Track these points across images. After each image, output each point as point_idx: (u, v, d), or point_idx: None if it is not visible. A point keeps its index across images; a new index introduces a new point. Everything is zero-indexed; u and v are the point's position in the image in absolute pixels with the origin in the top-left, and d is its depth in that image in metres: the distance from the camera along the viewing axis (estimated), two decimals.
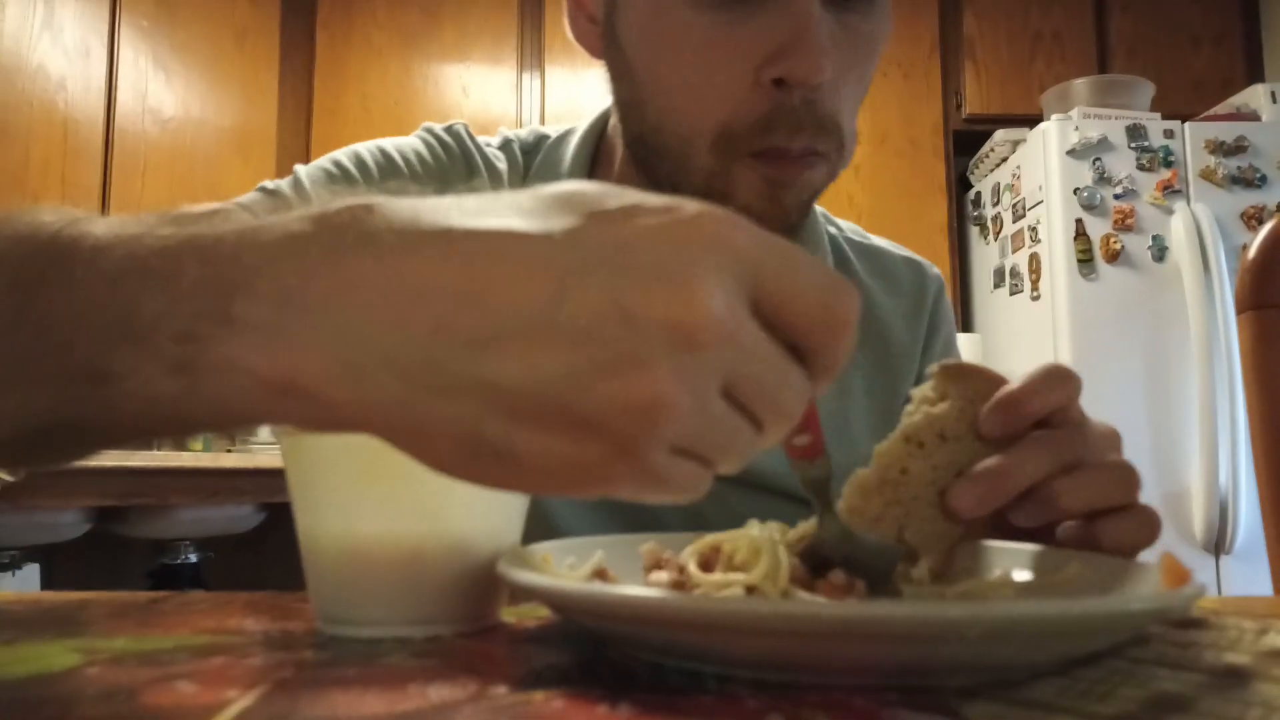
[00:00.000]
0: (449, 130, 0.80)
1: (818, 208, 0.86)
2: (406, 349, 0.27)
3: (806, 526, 0.46)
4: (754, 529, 0.45)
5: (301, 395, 0.27)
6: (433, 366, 0.27)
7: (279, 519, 2.53)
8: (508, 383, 0.27)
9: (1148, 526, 0.49)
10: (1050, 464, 0.46)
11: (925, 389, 0.49)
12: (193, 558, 2.66)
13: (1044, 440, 0.47)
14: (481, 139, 0.82)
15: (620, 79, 0.71)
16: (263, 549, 2.71)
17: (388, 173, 0.76)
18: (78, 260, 0.29)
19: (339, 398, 0.27)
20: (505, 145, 0.82)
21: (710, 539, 0.45)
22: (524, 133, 0.84)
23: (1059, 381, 0.48)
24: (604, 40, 0.71)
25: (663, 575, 0.44)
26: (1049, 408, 0.48)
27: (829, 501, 0.43)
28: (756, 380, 0.29)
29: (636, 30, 0.67)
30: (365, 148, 0.78)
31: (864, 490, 0.46)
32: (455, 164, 0.78)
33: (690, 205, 0.30)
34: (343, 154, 0.77)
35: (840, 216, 0.92)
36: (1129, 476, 0.49)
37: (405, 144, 0.79)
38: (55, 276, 0.28)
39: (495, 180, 0.78)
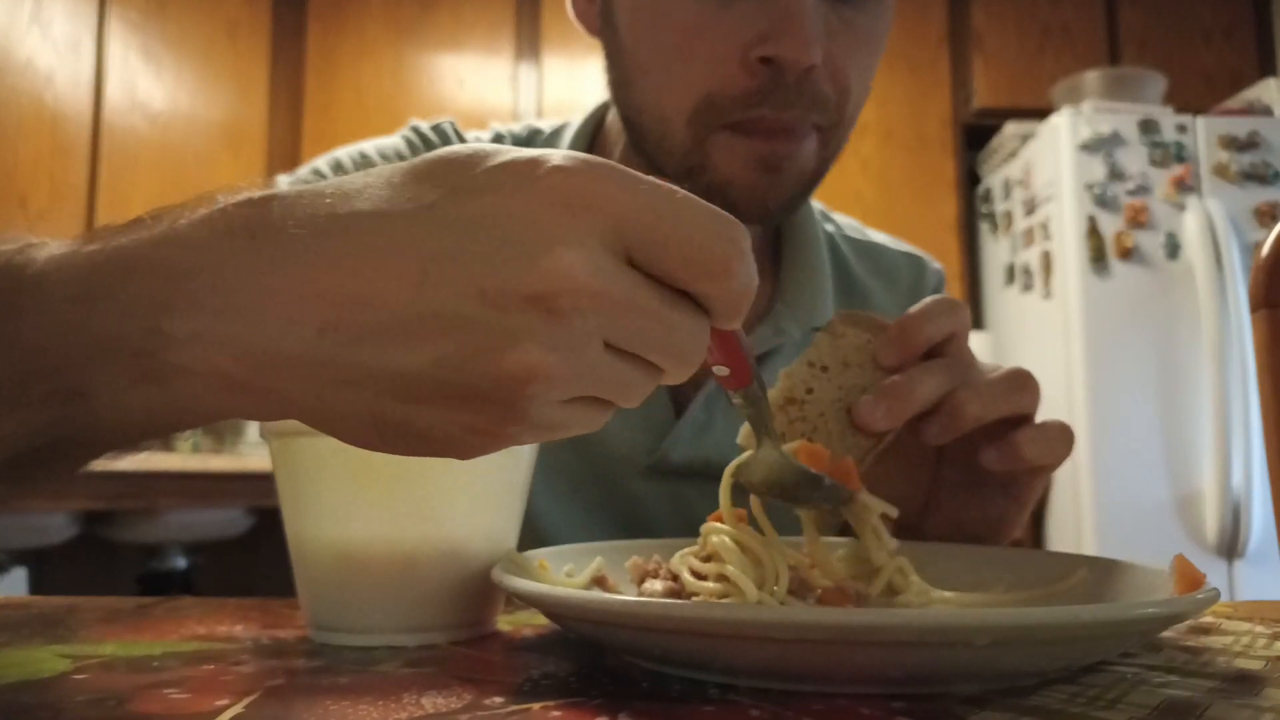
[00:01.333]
0: (435, 128, 0.80)
1: (815, 203, 0.86)
2: (301, 348, 0.28)
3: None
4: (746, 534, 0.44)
5: (242, 389, 0.29)
6: (326, 362, 0.28)
7: (269, 523, 2.54)
8: (393, 371, 0.28)
9: (1064, 437, 0.53)
10: (949, 379, 0.50)
11: (826, 329, 0.53)
12: (182, 563, 2.67)
13: (940, 361, 0.51)
14: (472, 133, 0.82)
15: (612, 57, 0.71)
16: (253, 554, 2.71)
17: None
18: (28, 287, 0.30)
19: (268, 388, 0.29)
20: (495, 140, 0.82)
21: (704, 549, 0.44)
22: (517, 127, 0.84)
23: (948, 309, 0.52)
24: (600, 18, 0.72)
25: (656, 585, 0.43)
26: (941, 333, 0.51)
27: (764, 429, 0.43)
28: (639, 332, 0.30)
29: (628, 5, 0.68)
30: (345, 152, 0.79)
31: (780, 407, 0.49)
32: None
33: (555, 161, 0.29)
34: (323, 161, 0.78)
35: (848, 213, 0.91)
36: (1027, 380, 0.52)
37: (387, 145, 0.79)
38: (23, 303, 0.30)
39: None
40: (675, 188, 0.30)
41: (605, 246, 0.29)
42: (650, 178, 0.30)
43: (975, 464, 0.53)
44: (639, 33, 0.67)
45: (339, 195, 0.30)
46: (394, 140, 0.80)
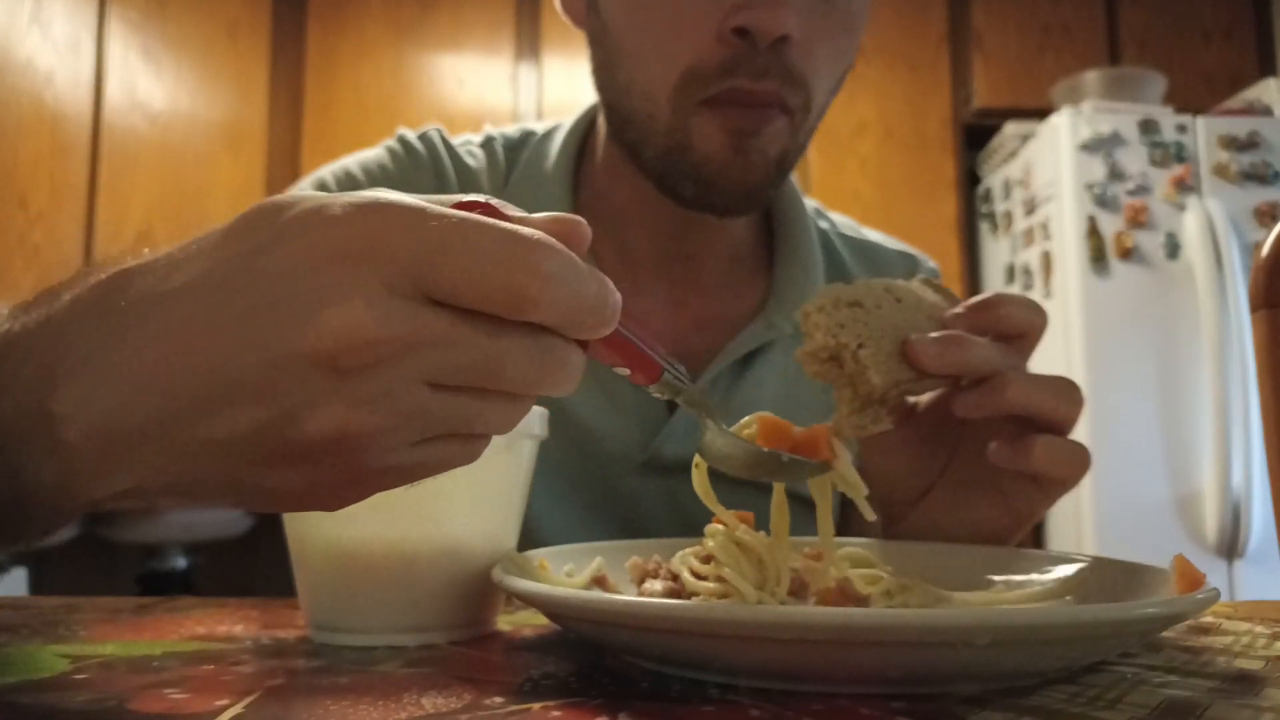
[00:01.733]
0: (422, 137, 0.81)
1: (811, 201, 0.86)
2: (147, 421, 0.29)
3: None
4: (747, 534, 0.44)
5: (117, 463, 0.30)
6: (171, 433, 0.29)
7: (270, 523, 2.53)
8: (223, 438, 0.28)
9: (1079, 458, 0.51)
10: (1001, 361, 0.50)
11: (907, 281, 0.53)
12: (182, 563, 2.67)
13: (999, 344, 0.51)
14: (462, 137, 0.83)
15: (597, 43, 0.72)
16: (253, 554, 2.71)
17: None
18: None
19: (135, 460, 0.29)
20: (486, 143, 0.82)
21: (704, 549, 0.44)
22: (511, 130, 0.84)
23: (1032, 308, 0.52)
24: (586, 6, 0.72)
25: (656, 585, 0.43)
26: (1014, 324, 0.51)
27: (704, 413, 0.41)
28: (464, 366, 0.29)
29: None
30: (329, 170, 0.79)
31: (836, 298, 0.48)
32: (422, 172, 0.78)
33: (336, 208, 0.29)
34: (308, 181, 0.79)
35: (846, 212, 0.91)
36: (1074, 391, 0.51)
37: (370, 159, 0.79)
38: None
39: (467, 182, 0.78)
40: (471, 217, 0.29)
41: (393, 291, 0.28)
42: (445, 210, 0.29)
43: (982, 462, 0.53)
44: (622, 14, 0.68)
45: (168, 267, 0.30)
46: (378, 153, 0.80)
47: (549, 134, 0.81)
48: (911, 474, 0.57)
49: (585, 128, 0.80)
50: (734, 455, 0.41)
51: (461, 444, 0.31)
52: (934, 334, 0.49)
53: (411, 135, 0.80)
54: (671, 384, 0.38)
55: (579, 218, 0.32)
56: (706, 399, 0.41)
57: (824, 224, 0.86)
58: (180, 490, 0.31)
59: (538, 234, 0.29)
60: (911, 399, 0.55)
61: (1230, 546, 2.40)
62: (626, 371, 0.36)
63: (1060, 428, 0.51)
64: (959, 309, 0.52)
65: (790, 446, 0.44)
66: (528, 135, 0.83)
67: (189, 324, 0.29)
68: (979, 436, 0.54)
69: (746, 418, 0.45)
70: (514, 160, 0.80)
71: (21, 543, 0.33)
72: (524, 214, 0.32)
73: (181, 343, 0.28)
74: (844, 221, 0.89)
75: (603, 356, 0.34)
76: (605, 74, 0.71)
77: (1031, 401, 0.49)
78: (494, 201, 0.31)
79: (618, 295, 0.31)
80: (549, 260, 0.29)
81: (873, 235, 0.89)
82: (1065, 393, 0.50)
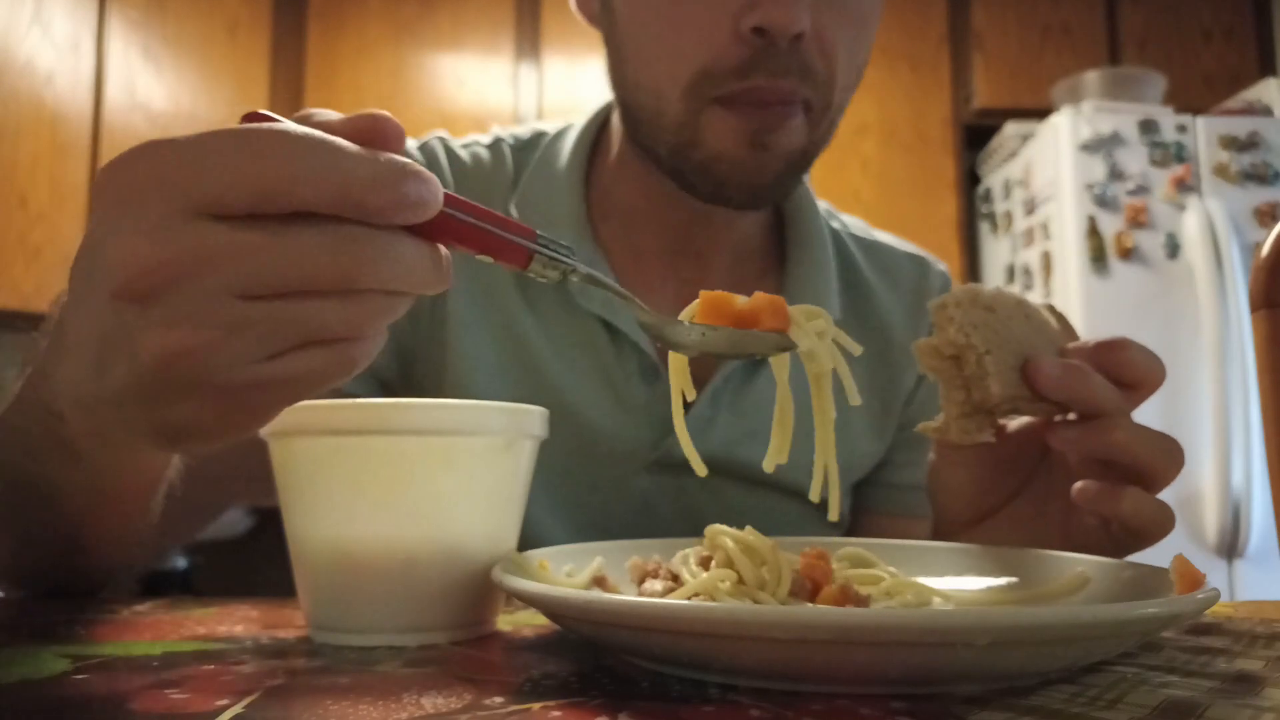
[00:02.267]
0: (423, 146, 0.80)
1: (822, 202, 0.86)
2: (82, 394, 0.34)
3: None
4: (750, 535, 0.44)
5: (98, 437, 0.39)
6: (93, 398, 0.34)
7: (270, 523, 2.53)
8: (118, 388, 0.32)
9: (1165, 518, 0.49)
10: (1114, 404, 0.49)
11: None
12: (182, 563, 2.66)
13: (1115, 388, 0.49)
14: (469, 138, 0.82)
15: (610, 41, 0.72)
16: (253, 554, 2.70)
17: None
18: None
19: (101, 430, 0.37)
20: (494, 144, 0.82)
21: (705, 548, 0.44)
22: (523, 130, 0.84)
23: (1156, 364, 0.51)
24: (599, 3, 0.72)
25: (656, 585, 0.43)
26: (1134, 372, 0.50)
27: (615, 292, 0.40)
28: (264, 271, 0.30)
29: None
30: None
31: (974, 297, 0.48)
32: None
33: (116, 161, 0.30)
34: None
35: (847, 212, 0.91)
36: (1178, 453, 0.50)
37: None
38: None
39: (465, 185, 0.78)
40: (231, 129, 0.30)
41: (170, 216, 0.29)
42: (204, 132, 0.30)
43: (1053, 499, 0.52)
44: (634, 9, 0.68)
45: (74, 275, 0.33)
46: None
47: (561, 134, 0.81)
48: (980, 493, 0.57)
49: (597, 127, 0.80)
50: (688, 342, 0.40)
51: (325, 351, 0.32)
52: (1053, 359, 0.48)
53: (413, 145, 0.80)
54: (550, 265, 0.36)
55: (381, 113, 0.32)
56: (602, 279, 0.39)
57: (836, 225, 0.86)
58: (136, 437, 0.35)
59: (288, 128, 0.30)
60: (1002, 419, 0.54)
61: (1230, 546, 2.40)
62: (489, 259, 0.35)
63: (1153, 484, 0.50)
64: (1087, 342, 0.51)
65: (733, 319, 0.42)
66: (539, 136, 0.82)
67: (73, 299, 0.33)
68: (1059, 474, 0.54)
69: (694, 303, 0.43)
70: (523, 161, 0.80)
71: (149, 465, 0.44)
72: (326, 117, 0.33)
73: (70, 317, 0.33)
74: (855, 223, 0.89)
75: (453, 244, 0.34)
76: (617, 71, 0.71)
77: (1134, 451, 0.48)
78: (265, 113, 0.32)
79: (425, 177, 0.31)
80: (292, 147, 0.29)
81: (884, 237, 0.89)
82: (1169, 452, 0.49)
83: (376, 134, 0.32)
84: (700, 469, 0.45)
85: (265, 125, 0.30)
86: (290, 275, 0.30)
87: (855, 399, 0.45)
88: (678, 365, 0.46)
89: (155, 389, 0.31)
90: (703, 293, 0.43)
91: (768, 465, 0.45)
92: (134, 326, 0.30)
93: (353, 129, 0.32)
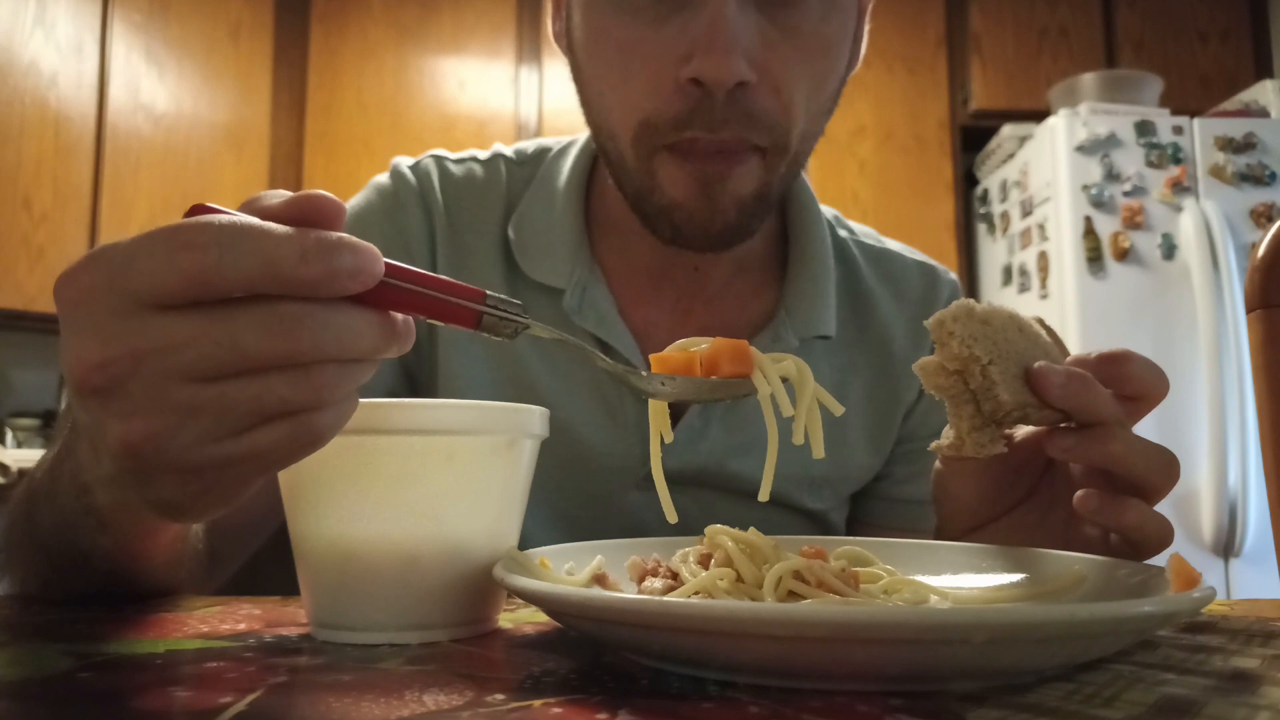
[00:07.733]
0: (415, 166, 0.80)
1: (830, 210, 0.85)
2: (100, 476, 0.38)
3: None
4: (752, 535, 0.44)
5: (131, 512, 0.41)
6: (106, 480, 0.37)
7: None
8: (113, 472, 0.35)
9: (1165, 532, 0.49)
10: (1113, 415, 0.48)
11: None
12: None
13: (1116, 399, 0.49)
14: (463, 154, 0.82)
15: (575, 79, 0.71)
16: (256, 552, 2.70)
17: None
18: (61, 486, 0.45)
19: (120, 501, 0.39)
20: (490, 161, 0.81)
21: (705, 546, 0.44)
22: (527, 145, 0.83)
23: (1160, 378, 0.51)
24: (566, 38, 0.72)
25: (656, 583, 0.43)
26: (1137, 384, 0.50)
27: (564, 339, 0.41)
28: (209, 355, 0.31)
29: (577, 31, 0.68)
30: None
31: (969, 312, 0.48)
32: (408, 205, 0.77)
33: (69, 271, 0.32)
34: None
35: (845, 214, 0.91)
36: (1173, 467, 0.50)
37: (354, 206, 0.78)
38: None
39: (456, 201, 0.78)
40: (163, 226, 0.31)
41: (118, 314, 0.31)
42: (143, 233, 0.32)
43: (1055, 510, 0.52)
44: (586, 56, 0.67)
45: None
46: (363, 196, 0.79)
47: (564, 150, 0.81)
48: (983, 501, 0.57)
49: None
50: (649, 390, 0.43)
51: (288, 424, 0.33)
52: (1059, 367, 0.48)
53: (405, 165, 0.79)
54: (503, 324, 0.37)
55: (319, 194, 0.34)
56: (557, 332, 0.40)
57: (843, 232, 0.85)
58: (143, 509, 0.37)
59: (216, 218, 0.31)
60: (1009, 429, 0.54)
61: (1227, 545, 2.41)
62: (440, 324, 0.36)
63: (1149, 497, 0.49)
64: (1090, 354, 0.51)
65: (689, 368, 0.45)
66: (543, 152, 0.82)
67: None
68: (1062, 484, 0.54)
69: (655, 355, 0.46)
70: (521, 176, 0.80)
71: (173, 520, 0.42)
72: (267, 202, 0.34)
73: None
74: (864, 230, 0.88)
75: (398, 311, 0.35)
76: (584, 109, 0.71)
77: (1130, 462, 0.48)
78: (209, 205, 0.34)
79: (358, 248, 0.32)
80: (217, 234, 0.31)
81: (893, 245, 0.88)
82: (1165, 465, 0.49)
83: (313, 212, 0.33)
84: (672, 516, 0.48)
85: (198, 218, 0.31)
86: (231, 355, 0.31)
87: (838, 411, 0.47)
88: (657, 409, 0.49)
89: (133, 472, 0.34)
90: (651, 356, 0.46)
91: (762, 496, 0.47)
92: (99, 418, 0.32)
93: (294, 209, 0.33)
